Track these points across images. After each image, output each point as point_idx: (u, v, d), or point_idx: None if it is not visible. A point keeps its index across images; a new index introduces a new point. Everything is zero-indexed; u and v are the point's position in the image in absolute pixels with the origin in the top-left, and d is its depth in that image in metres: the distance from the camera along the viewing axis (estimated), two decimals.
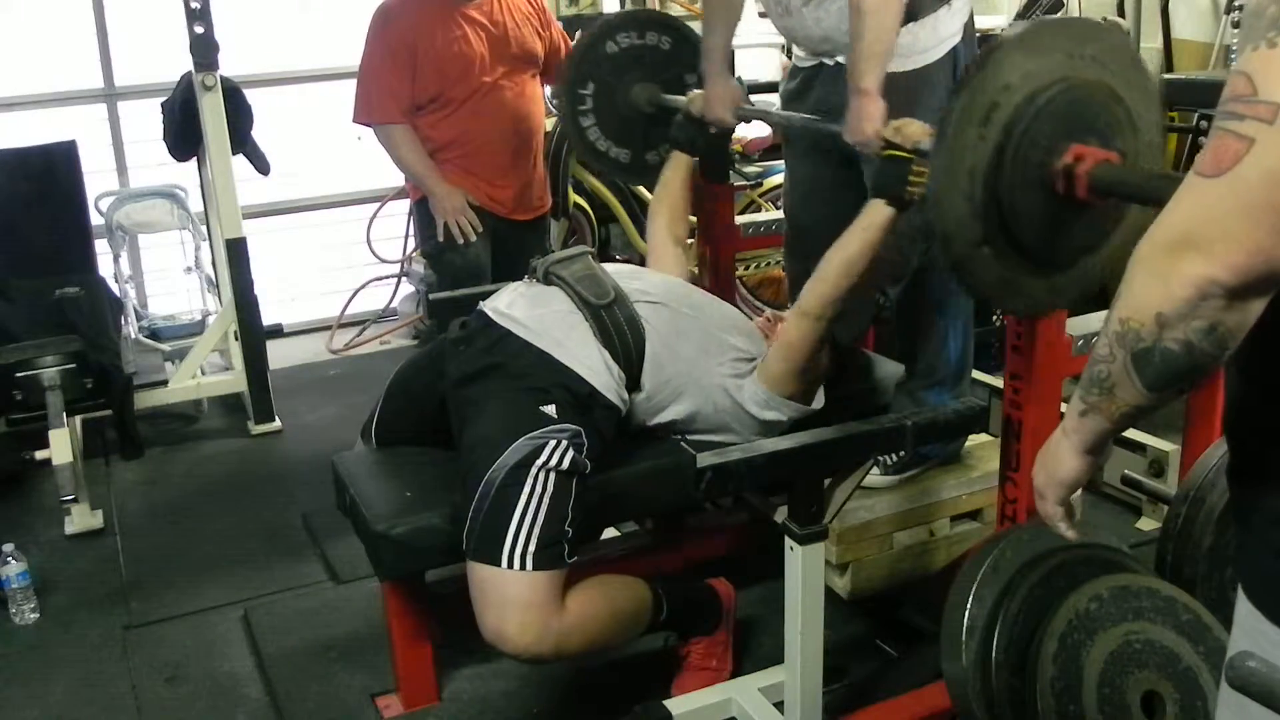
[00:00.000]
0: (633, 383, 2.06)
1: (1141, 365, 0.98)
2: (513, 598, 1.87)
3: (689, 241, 2.67)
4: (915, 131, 1.93)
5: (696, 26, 2.69)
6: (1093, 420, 1.10)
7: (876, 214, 1.97)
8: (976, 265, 1.56)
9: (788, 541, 1.90)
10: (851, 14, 2.20)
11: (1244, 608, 1.07)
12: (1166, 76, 4.01)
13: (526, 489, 1.88)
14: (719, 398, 2.10)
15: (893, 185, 1.96)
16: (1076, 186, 1.50)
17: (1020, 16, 3.72)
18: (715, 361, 2.10)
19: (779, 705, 2.05)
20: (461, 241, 3.07)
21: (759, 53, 2.84)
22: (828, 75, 2.49)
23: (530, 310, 2.09)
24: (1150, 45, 4.14)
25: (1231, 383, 1.08)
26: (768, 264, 4.32)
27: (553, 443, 1.90)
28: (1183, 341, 0.94)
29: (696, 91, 2.56)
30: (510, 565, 1.86)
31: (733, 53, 2.81)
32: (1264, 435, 1.04)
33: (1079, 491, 1.31)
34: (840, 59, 2.44)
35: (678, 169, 2.60)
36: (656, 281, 2.21)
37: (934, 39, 2.31)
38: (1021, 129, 1.50)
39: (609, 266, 2.21)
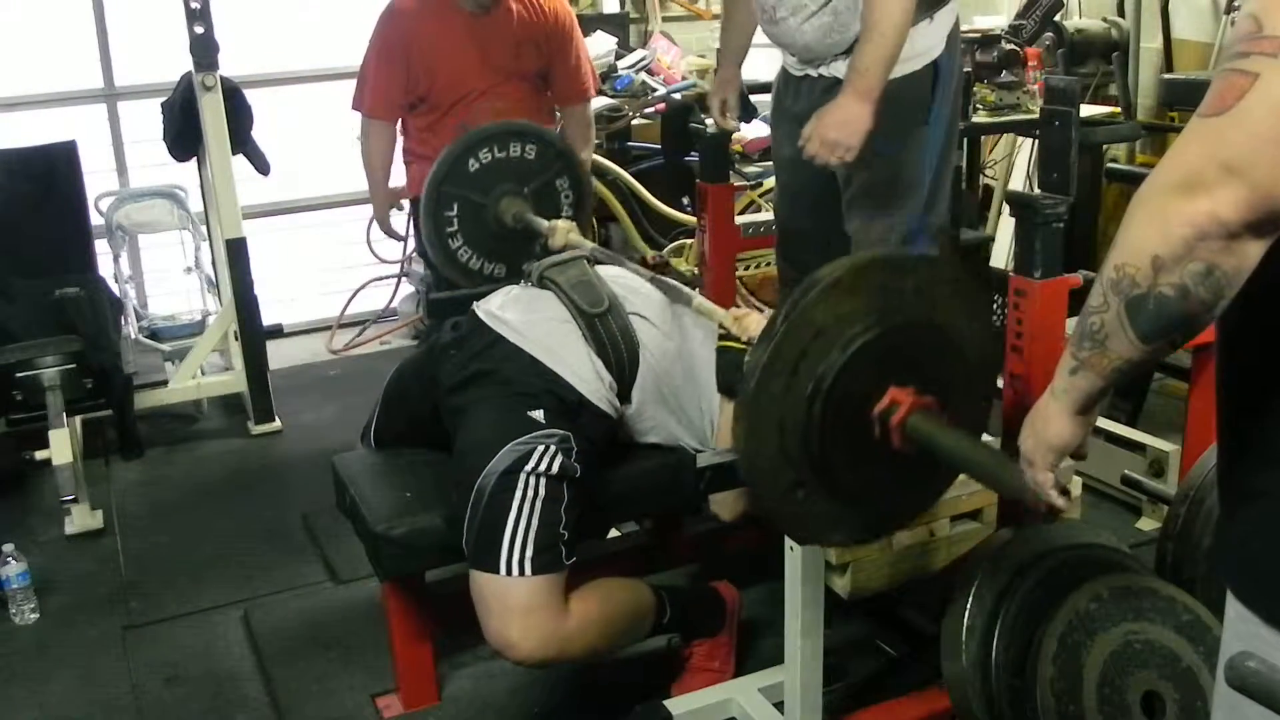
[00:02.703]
0: (624, 394, 2.06)
1: (1136, 313, 0.97)
2: (514, 604, 1.87)
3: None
4: (752, 325, 1.91)
5: (697, 27, 2.70)
6: (1084, 377, 1.09)
7: (730, 409, 1.92)
8: (788, 510, 1.54)
9: (788, 541, 1.90)
10: (865, 15, 2.22)
11: (1234, 610, 1.05)
12: (1166, 77, 4.01)
13: (518, 495, 1.88)
14: (695, 430, 2.11)
15: (727, 376, 1.95)
16: (891, 436, 1.50)
17: (1020, 17, 3.71)
18: (701, 387, 2.10)
19: (779, 705, 2.05)
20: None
21: (763, 53, 2.84)
22: (814, 85, 2.51)
23: (523, 314, 2.08)
24: (1150, 45, 4.14)
25: (1220, 369, 1.08)
26: (768, 264, 4.31)
27: (541, 448, 1.90)
28: (1179, 286, 0.92)
29: (556, 223, 2.44)
30: (509, 572, 1.86)
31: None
32: (1245, 412, 1.03)
33: (1069, 461, 1.29)
34: (824, 71, 2.47)
35: None
36: (651, 298, 2.17)
37: (910, 51, 2.32)
38: (831, 378, 1.47)
39: (604, 272, 2.20)
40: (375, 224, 3.37)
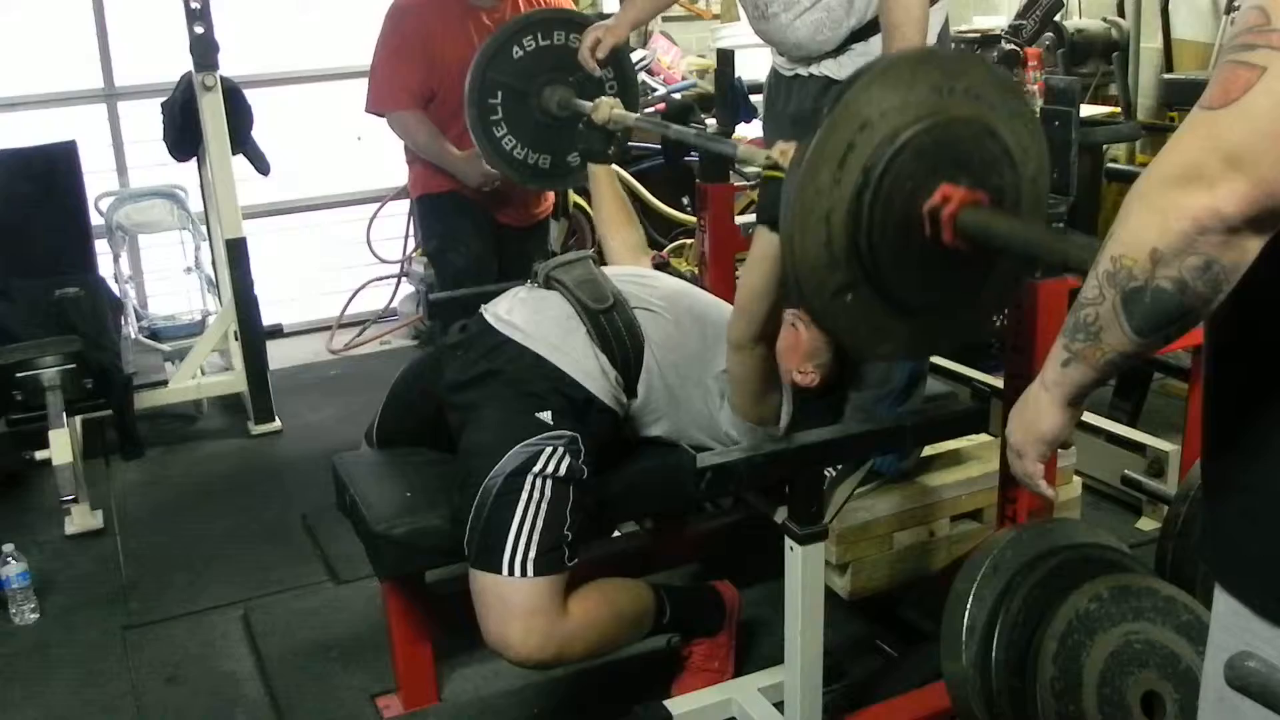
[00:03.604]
0: (629, 388, 2.06)
1: (1132, 306, 0.96)
2: (515, 605, 1.87)
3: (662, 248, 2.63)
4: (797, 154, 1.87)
5: (697, 27, 2.70)
6: (1076, 370, 1.08)
7: (765, 242, 1.80)
8: (838, 313, 1.47)
9: (788, 541, 1.90)
10: (886, 16, 2.22)
11: (1222, 603, 1.05)
12: (1166, 77, 4.01)
13: (524, 496, 1.88)
14: (703, 417, 2.11)
15: (771, 208, 1.82)
16: (943, 231, 1.42)
17: (1020, 16, 3.72)
18: (708, 376, 2.10)
19: (779, 705, 2.05)
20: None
21: (758, 53, 2.84)
22: (803, 85, 2.51)
23: (529, 315, 2.09)
24: (1150, 45, 4.14)
25: (1207, 361, 1.07)
26: None
27: (549, 449, 1.90)
28: (1176, 280, 0.91)
29: (601, 99, 2.46)
30: (511, 572, 1.86)
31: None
32: (1236, 409, 1.02)
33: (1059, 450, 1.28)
34: (815, 70, 2.47)
35: (598, 183, 2.48)
36: (656, 288, 2.19)
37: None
38: (880, 170, 1.40)
39: (610, 270, 2.21)
40: (479, 182, 3.05)
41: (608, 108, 2.42)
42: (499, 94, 2.58)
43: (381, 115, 3.12)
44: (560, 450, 1.91)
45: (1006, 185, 1.49)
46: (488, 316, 2.14)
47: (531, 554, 1.87)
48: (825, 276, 1.44)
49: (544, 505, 1.88)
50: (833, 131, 1.39)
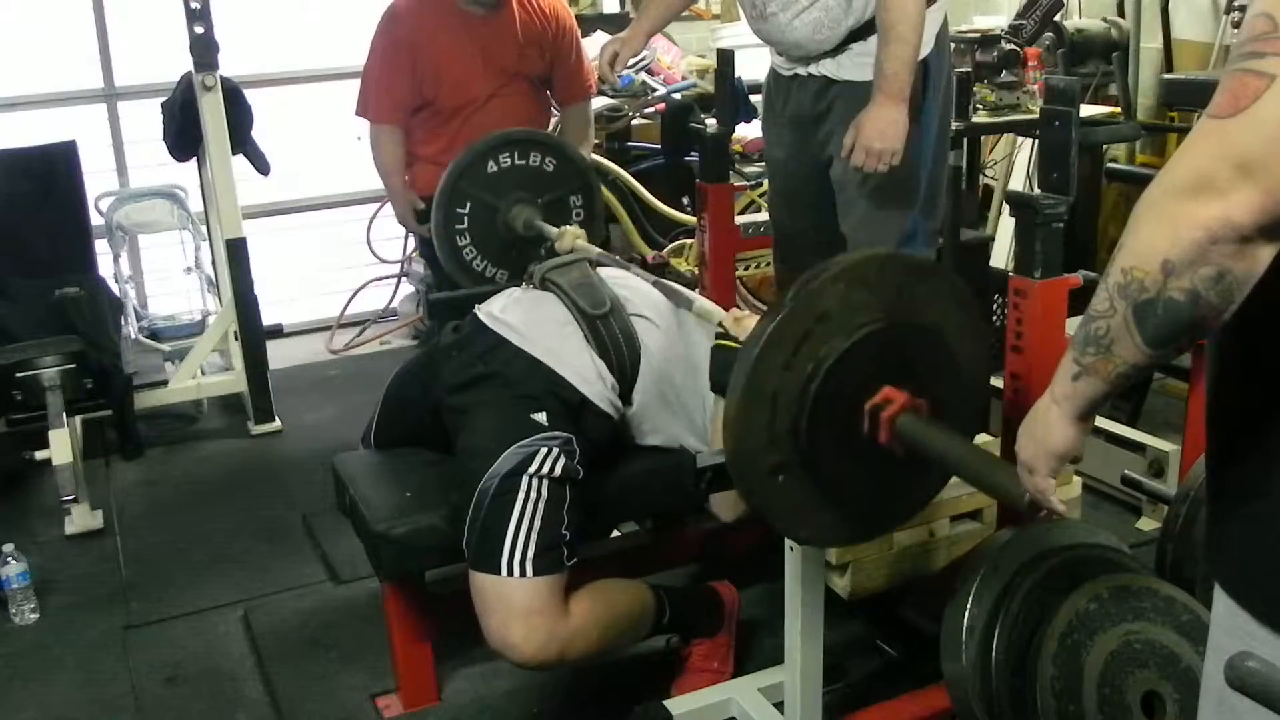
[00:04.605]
0: (625, 395, 2.06)
1: (1144, 318, 0.95)
2: (515, 605, 1.87)
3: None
4: (750, 326, 1.87)
5: (697, 27, 2.70)
6: (1087, 383, 1.07)
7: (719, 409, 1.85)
8: (769, 491, 1.52)
9: (788, 541, 1.90)
10: (882, 18, 2.23)
11: (1222, 605, 1.05)
12: (1166, 77, 4.01)
13: (520, 497, 1.88)
14: (698, 427, 2.11)
15: (720, 375, 1.90)
16: (881, 430, 1.48)
17: (1020, 17, 3.71)
18: (703, 385, 2.10)
19: (779, 705, 2.05)
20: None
21: (758, 53, 2.84)
22: (802, 85, 2.52)
23: (525, 316, 2.09)
24: (1150, 45, 4.13)
25: (1211, 365, 1.07)
26: (767, 264, 4.30)
27: (544, 450, 1.91)
28: (1189, 291, 0.90)
29: (566, 228, 2.45)
30: (510, 573, 1.87)
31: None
32: (1242, 416, 1.02)
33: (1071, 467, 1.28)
34: (813, 70, 2.47)
35: None
36: (652, 299, 2.17)
37: None
38: (831, 363, 1.46)
39: (606, 274, 2.20)
40: (398, 221, 3.31)
41: (571, 238, 2.40)
42: (467, 204, 2.60)
43: (365, 120, 3.14)
44: (555, 451, 1.91)
45: (949, 391, 1.56)
46: (482, 316, 2.13)
47: (530, 554, 1.87)
48: (761, 455, 1.49)
49: (540, 505, 1.88)
50: (792, 318, 1.44)
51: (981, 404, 1.71)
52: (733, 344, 1.91)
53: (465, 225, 2.63)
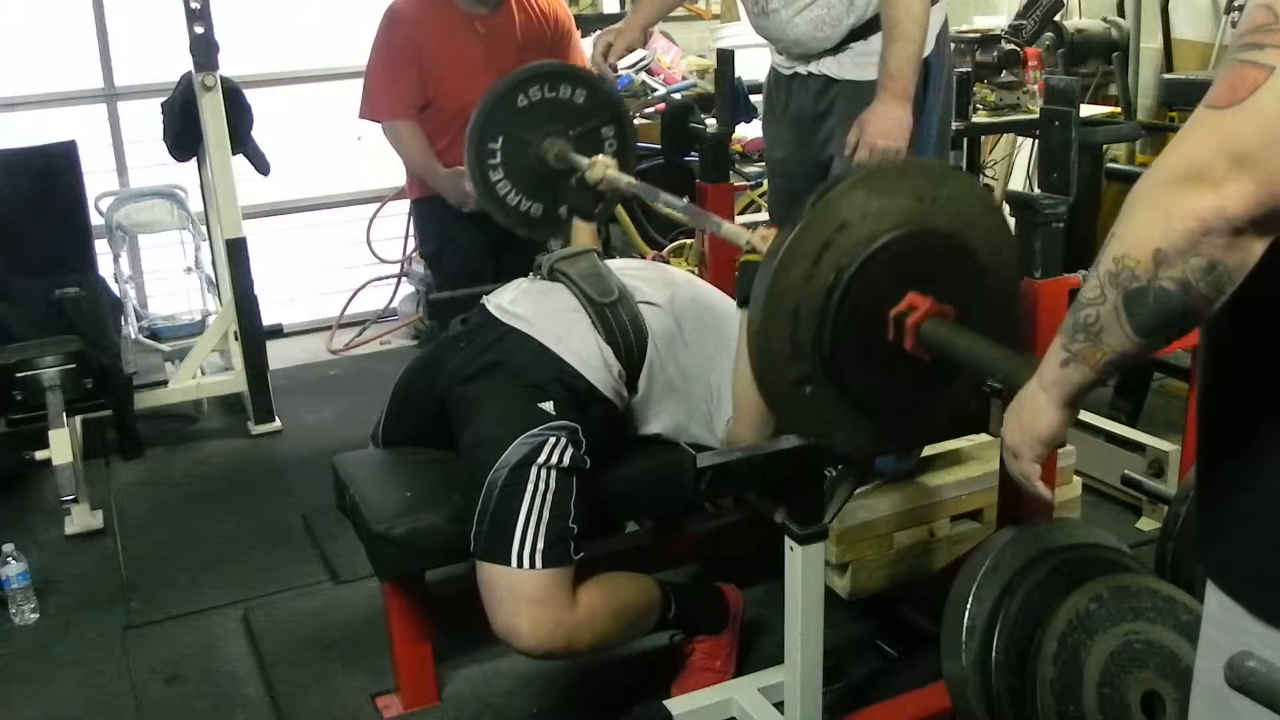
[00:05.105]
0: (631, 382, 2.07)
1: (1134, 307, 0.95)
2: (524, 596, 1.88)
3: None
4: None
5: (697, 26, 2.70)
6: (1074, 370, 1.07)
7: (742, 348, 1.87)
8: (795, 403, 1.51)
9: (788, 541, 1.90)
10: (886, 15, 2.23)
11: (1215, 599, 1.04)
12: (1166, 77, 4.01)
13: (529, 488, 1.88)
14: (703, 414, 2.11)
15: (748, 290, 1.84)
16: (906, 337, 1.46)
17: (1020, 17, 3.71)
18: (711, 373, 2.10)
19: (779, 705, 2.05)
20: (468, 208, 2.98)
21: (758, 53, 2.84)
22: (803, 84, 2.52)
23: (533, 306, 2.10)
24: (1150, 45, 4.14)
25: (1203, 358, 1.07)
26: None
27: (552, 440, 1.91)
28: (1180, 280, 0.90)
29: (597, 158, 2.43)
30: (520, 564, 1.87)
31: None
32: (1234, 409, 1.02)
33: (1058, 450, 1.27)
34: (814, 69, 2.47)
35: (579, 238, 2.40)
36: (660, 284, 2.19)
37: None
38: (852, 272, 1.44)
39: (613, 264, 2.22)
40: (455, 205, 3.09)
41: (602, 168, 2.38)
42: (499, 139, 2.60)
43: (376, 122, 3.11)
44: (563, 440, 1.92)
45: (975, 298, 1.53)
46: (490, 308, 2.14)
47: (540, 545, 1.88)
48: (786, 367, 1.48)
49: (549, 497, 1.89)
50: (810, 228, 1.42)
51: (1013, 311, 1.65)
52: (759, 258, 1.88)
53: (499, 160, 2.62)
